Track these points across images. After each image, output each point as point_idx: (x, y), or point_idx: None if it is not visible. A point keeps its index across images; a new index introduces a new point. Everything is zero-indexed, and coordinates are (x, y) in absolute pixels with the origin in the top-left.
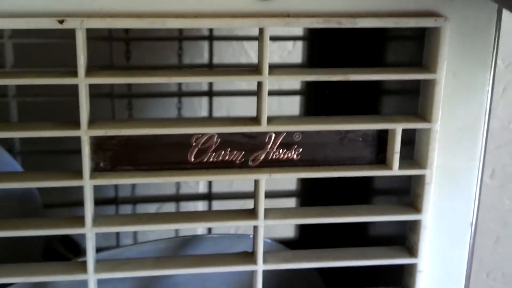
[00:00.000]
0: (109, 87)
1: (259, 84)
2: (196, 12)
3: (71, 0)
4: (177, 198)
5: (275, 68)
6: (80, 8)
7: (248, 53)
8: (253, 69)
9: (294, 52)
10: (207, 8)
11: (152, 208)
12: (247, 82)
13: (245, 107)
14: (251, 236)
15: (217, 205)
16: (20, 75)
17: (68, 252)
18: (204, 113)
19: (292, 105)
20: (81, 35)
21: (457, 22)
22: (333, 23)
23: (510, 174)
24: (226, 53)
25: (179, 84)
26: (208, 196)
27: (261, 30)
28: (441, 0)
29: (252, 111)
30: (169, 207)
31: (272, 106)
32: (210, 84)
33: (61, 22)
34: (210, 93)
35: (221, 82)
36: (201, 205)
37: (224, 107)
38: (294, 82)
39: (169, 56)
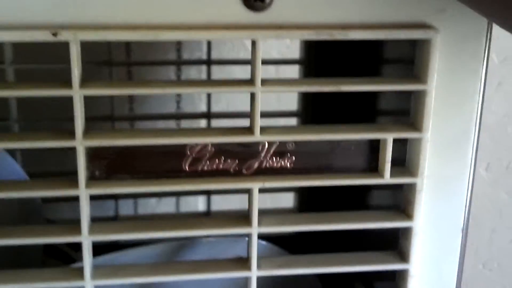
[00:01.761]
0: (108, 78)
1: (252, 96)
2: (190, 23)
3: (65, 12)
4: (177, 192)
5: (267, 81)
6: (74, 20)
7: (246, 48)
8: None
9: (293, 47)
10: (201, 19)
11: (151, 201)
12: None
13: (243, 101)
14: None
15: (217, 199)
16: (17, 86)
17: (69, 248)
18: (203, 105)
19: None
20: (75, 48)
21: (448, 33)
22: (324, 35)
23: (505, 167)
24: (224, 48)
25: (178, 76)
26: (207, 191)
27: (253, 42)
28: (432, 12)
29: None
30: (169, 201)
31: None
32: (209, 75)
33: (54, 34)
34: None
35: (219, 71)
36: (201, 200)
37: (223, 101)
38: (292, 67)
39: (168, 50)
